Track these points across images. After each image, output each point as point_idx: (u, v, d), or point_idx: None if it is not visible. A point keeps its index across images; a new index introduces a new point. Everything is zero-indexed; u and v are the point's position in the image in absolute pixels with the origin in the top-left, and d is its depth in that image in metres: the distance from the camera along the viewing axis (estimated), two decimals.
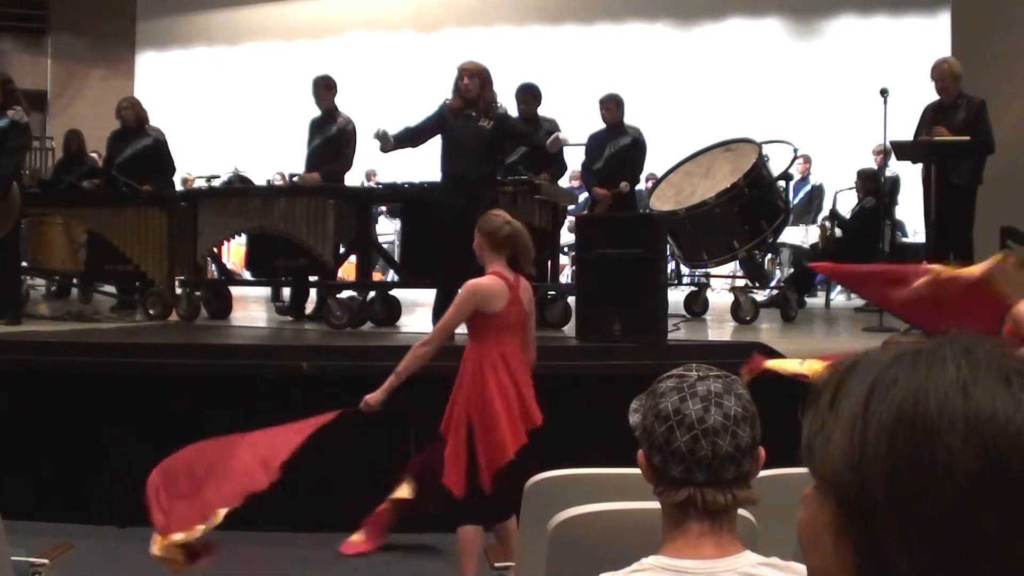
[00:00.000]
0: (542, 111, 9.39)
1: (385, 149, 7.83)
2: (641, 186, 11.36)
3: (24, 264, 9.72)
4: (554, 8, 18.31)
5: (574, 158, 10.17)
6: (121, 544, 6.53)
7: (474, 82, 7.56)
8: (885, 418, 0.95)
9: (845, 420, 0.98)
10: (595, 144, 9.73)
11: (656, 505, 2.15)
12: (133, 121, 9.91)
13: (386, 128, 7.77)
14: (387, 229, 13.76)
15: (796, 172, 11.69)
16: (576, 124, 9.75)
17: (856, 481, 0.95)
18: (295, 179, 9.72)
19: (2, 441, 6.93)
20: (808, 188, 13.72)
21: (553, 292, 8.69)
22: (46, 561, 3.74)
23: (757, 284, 10.24)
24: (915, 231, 13.02)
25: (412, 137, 7.83)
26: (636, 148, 9.65)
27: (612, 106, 9.64)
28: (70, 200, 9.91)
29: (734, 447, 2.04)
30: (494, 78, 7.75)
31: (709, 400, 2.04)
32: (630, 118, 9.73)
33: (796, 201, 12.94)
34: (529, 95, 9.29)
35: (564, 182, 10.70)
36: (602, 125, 9.77)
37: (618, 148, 9.58)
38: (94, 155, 13.32)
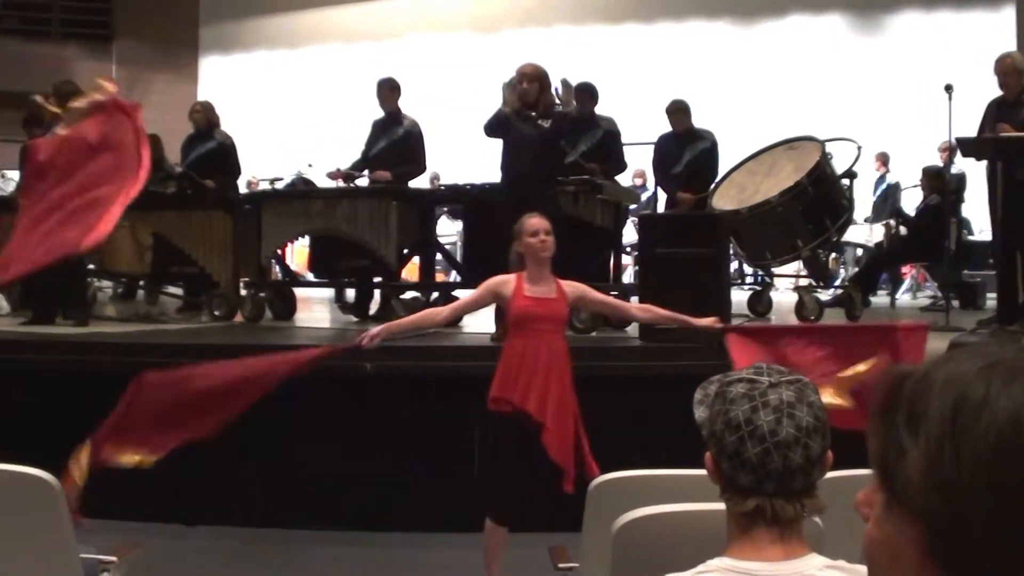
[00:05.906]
0: (599, 110, 9.38)
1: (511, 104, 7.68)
2: None
3: (91, 266, 9.87)
4: (614, 7, 18.27)
5: (634, 156, 10.13)
6: (188, 542, 6.61)
7: (533, 86, 7.57)
8: (982, 448, 0.88)
9: (931, 444, 0.91)
10: (670, 148, 9.79)
11: (721, 506, 2.13)
12: (204, 124, 10.07)
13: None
14: (449, 230, 13.80)
15: (874, 170, 11.54)
16: (637, 123, 9.73)
17: (951, 511, 0.89)
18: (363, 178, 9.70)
19: (76, 443, 7.02)
20: (884, 186, 13.57)
21: (616, 292, 8.66)
22: (115, 559, 3.79)
23: (821, 283, 10.14)
24: (981, 229, 12.84)
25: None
26: (715, 152, 9.75)
27: (682, 115, 9.74)
28: (136, 203, 9.98)
29: (804, 459, 2.01)
30: (554, 79, 7.76)
31: (781, 411, 2.01)
32: (694, 117, 9.74)
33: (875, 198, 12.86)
34: (586, 94, 9.27)
35: (627, 181, 10.67)
36: (665, 127, 9.77)
37: (697, 152, 9.67)
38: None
